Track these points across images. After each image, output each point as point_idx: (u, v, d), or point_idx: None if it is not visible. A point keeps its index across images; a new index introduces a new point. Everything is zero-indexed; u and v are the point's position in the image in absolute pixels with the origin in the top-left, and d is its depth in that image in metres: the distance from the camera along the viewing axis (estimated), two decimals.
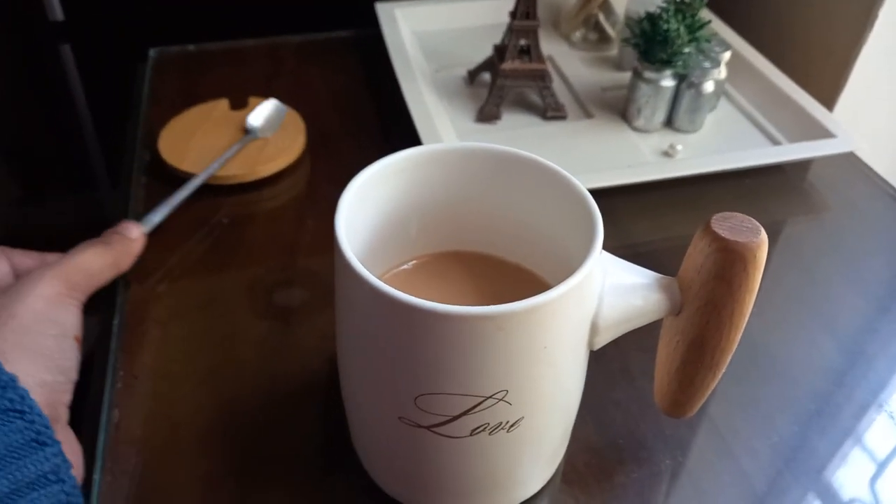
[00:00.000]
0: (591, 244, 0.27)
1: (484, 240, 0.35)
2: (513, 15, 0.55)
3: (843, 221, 0.52)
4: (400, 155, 0.31)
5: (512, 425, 0.28)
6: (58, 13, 1.14)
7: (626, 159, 0.53)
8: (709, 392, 0.32)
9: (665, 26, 0.51)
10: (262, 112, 0.54)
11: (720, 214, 0.28)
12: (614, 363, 0.41)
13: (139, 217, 0.45)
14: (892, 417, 0.39)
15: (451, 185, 0.32)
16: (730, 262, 0.27)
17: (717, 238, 0.27)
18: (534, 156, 0.31)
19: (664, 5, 0.52)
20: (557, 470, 0.35)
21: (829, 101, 0.63)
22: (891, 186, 0.54)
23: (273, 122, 0.54)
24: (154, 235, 0.47)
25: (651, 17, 0.52)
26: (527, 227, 0.33)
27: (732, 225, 0.27)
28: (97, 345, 0.41)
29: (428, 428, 0.28)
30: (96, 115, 1.19)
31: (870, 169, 0.56)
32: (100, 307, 0.43)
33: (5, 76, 1.16)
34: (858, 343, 0.43)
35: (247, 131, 0.53)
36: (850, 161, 0.56)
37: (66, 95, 1.21)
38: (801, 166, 0.56)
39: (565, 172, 0.30)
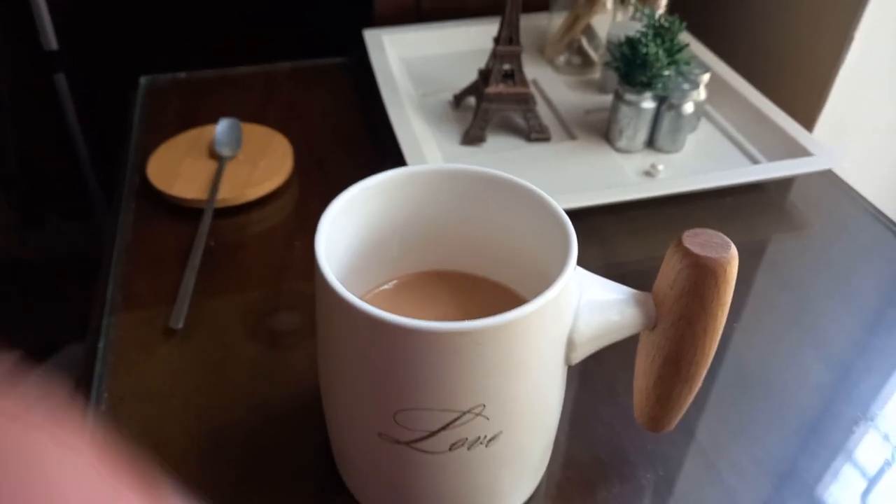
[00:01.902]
0: (565, 260, 0.27)
1: (465, 259, 0.36)
2: (496, 41, 0.56)
3: (825, 238, 0.53)
4: (380, 177, 0.32)
5: (490, 440, 0.28)
6: (52, 43, 1.16)
7: (610, 179, 0.54)
8: (686, 406, 0.33)
9: (644, 50, 0.52)
10: (220, 135, 0.55)
11: (691, 231, 0.28)
12: (599, 381, 0.41)
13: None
14: (878, 432, 0.39)
15: (432, 205, 0.33)
16: (701, 277, 0.28)
17: (688, 254, 0.28)
18: (510, 176, 0.31)
19: (644, 30, 0.53)
20: (540, 485, 0.35)
21: (808, 123, 0.64)
22: (870, 204, 0.55)
23: (232, 140, 0.55)
24: (142, 259, 0.48)
25: (630, 42, 0.53)
26: (506, 246, 0.33)
27: (703, 241, 0.28)
28: (83, 368, 0.41)
29: (407, 444, 0.28)
30: (90, 142, 1.20)
31: (849, 187, 0.57)
32: (86, 330, 0.44)
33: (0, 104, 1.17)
34: (844, 358, 0.43)
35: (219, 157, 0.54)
36: (829, 179, 0.57)
37: (61, 123, 1.22)
38: (782, 185, 0.57)
39: (541, 192, 0.31)
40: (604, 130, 0.59)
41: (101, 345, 0.42)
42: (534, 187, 0.31)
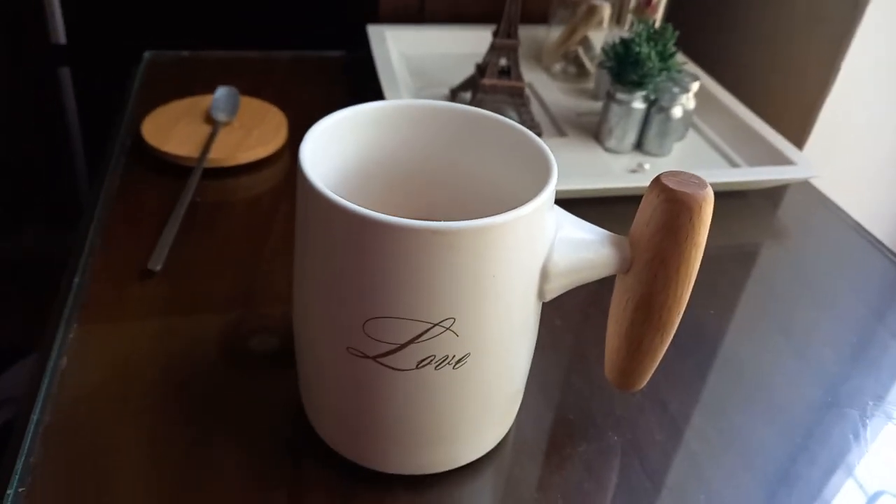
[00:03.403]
0: (545, 183, 0.28)
1: (451, 202, 0.36)
2: (495, 34, 0.57)
3: (802, 245, 0.54)
4: (371, 105, 0.32)
5: (458, 361, 0.28)
6: (60, 37, 1.17)
7: (597, 174, 0.55)
8: (657, 360, 0.32)
9: (637, 49, 0.53)
10: (217, 101, 0.56)
11: (669, 171, 0.29)
12: (573, 350, 0.41)
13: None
14: (838, 409, 0.39)
15: (416, 142, 0.33)
16: (676, 212, 0.28)
17: (664, 189, 0.28)
18: (493, 114, 0.32)
19: (639, 31, 0.55)
20: (507, 439, 0.35)
21: (797, 142, 0.66)
22: (850, 217, 0.56)
23: (228, 107, 0.56)
24: (126, 209, 0.48)
25: (624, 42, 0.55)
26: (489, 183, 0.33)
27: (680, 180, 0.29)
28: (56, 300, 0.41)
29: (374, 358, 0.28)
30: (88, 142, 1.20)
31: (831, 202, 0.58)
32: (64, 266, 0.43)
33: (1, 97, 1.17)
34: (813, 346, 0.43)
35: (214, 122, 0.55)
36: (813, 195, 0.59)
37: (61, 119, 1.23)
38: (765, 195, 0.58)
39: (525, 129, 0.31)
40: (594, 131, 0.60)
41: (75, 279, 0.42)
42: (517, 124, 0.31)
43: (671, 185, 0.28)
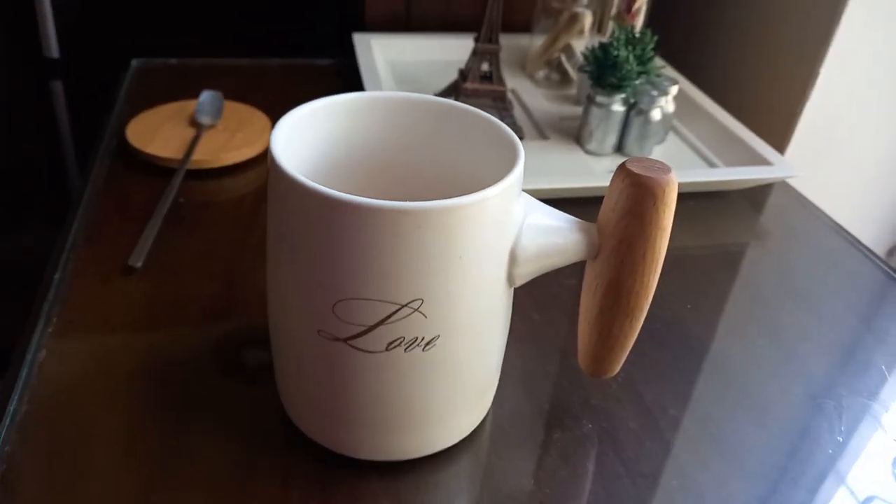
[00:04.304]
0: (513, 165, 0.28)
1: (424, 192, 0.36)
2: (477, 38, 0.58)
3: (781, 242, 0.54)
4: (344, 96, 0.33)
5: (427, 343, 0.28)
6: (53, 51, 1.18)
7: (577, 175, 0.56)
8: (628, 347, 0.33)
9: (615, 52, 0.54)
10: (202, 104, 0.57)
11: (634, 157, 0.30)
12: (549, 342, 0.41)
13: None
14: (814, 401, 0.39)
15: (391, 133, 0.34)
16: (640, 196, 0.29)
17: (629, 174, 0.29)
18: (464, 105, 0.33)
19: (618, 36, 0.56)
20: (482, 427, 0.35)
21: (779, 148, 0.67)
22: (829, 217, 0.57)
23: (213, 110, 0.56)
24: (110, 208, 0.48)
25: (603, 46, 0.56)
26: (465, 175, 0.34)
27: (645, 165, 0.29)
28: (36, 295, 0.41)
29: (345, 340, 0.28)
30: (80, 145, 1.21)
31: (811, 203, 0.59)
32: (44, 265, 0.44)
33: None
34: (789, 341, 0.44)
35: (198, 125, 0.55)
36: (793, 196, 0.59)
37: (54, 131, 1.24)
38: (746, 196, 0.58)
39: (493, 118, 0.32)
40: (575, 134, 0.61)
41: (56, 276, 0.42)
42: (486, 114, 0.32)
43: (636, 170, 0.29)
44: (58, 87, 1.19)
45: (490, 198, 0.27)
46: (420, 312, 0.27)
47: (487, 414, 0.36)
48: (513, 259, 0.30)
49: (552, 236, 0.30)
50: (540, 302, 0.44)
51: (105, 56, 1.08)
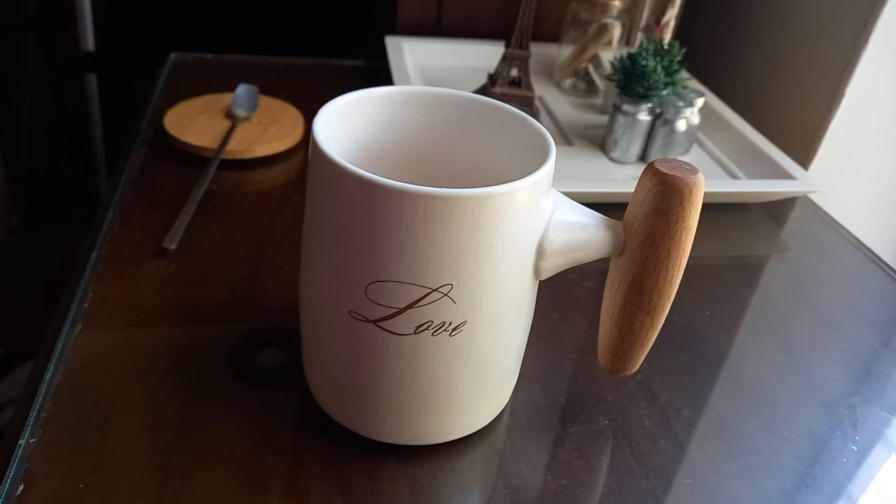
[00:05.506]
0: (543, 160, 0.29)
1: (454, 184, 0.37)
2: (507, 44, 0.60)
3: (801, 255, 0.55)
4: (377, 90, 0.34)
5: (455, 329, 0.29)
6: (90, 44, 1.21)
7: (600, 181, 0.56)
8: (648, 344, 0.34)
9: (643, 62, 0.55)
10: (237, 97, 0.58)
11: (662, 157, 0.31)
12: (567, 341, 0.42)
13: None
14: (826, 407, 0.40)
15: (423, 127, 0.35)
16: (668, 195, 0.29)
17: (657, 173, 0.30)
18: (497, 101, 0.34)
19: (646, 46, 0.57)
20: (500, 418, 0.36)
21: (802, 164, 0.67)
22: (849, 232, 0.57)
23: (248, 103, 0.58)
24: (145, 194, 0.50)
25: (631, 56, 0.57)
26: (494, 169, 0.35)
27: (673, 165, 0.30)
28: (74, 275, 0.42)
29: (375, 322, 0.29)
30: (109, 144, 1.23)
31: (829, 216, 0.59)
32: (80, 244, 0.45)
33: (27, 101, 1.21)
34: (804, 350, 0.44)
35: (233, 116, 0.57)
36: (813, 211, 0.60)
37: (85, 126, 1.26)
38: (768, 210, 0.59)
39: (525, 114, 0.33)
40: (601, 142, 0.61)
41: (93, 254, 0.43)
42: (518, 110, 0.33)
43: (664, 169, 0.30)
44: (92, 80, 1.22)
45: (521, 189, 0.28)
46: (449, 297, 0.28)
47: (505, 406, 0.36)
48: (540, 252, 0.30)
49: (579, 232, 0.31)
50: (560, 302, 0.45)
51: (139, 50, 1.11)
